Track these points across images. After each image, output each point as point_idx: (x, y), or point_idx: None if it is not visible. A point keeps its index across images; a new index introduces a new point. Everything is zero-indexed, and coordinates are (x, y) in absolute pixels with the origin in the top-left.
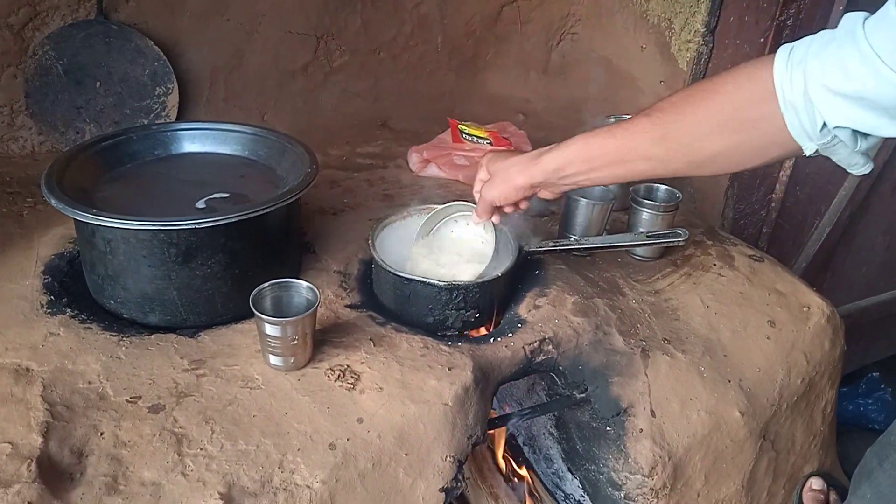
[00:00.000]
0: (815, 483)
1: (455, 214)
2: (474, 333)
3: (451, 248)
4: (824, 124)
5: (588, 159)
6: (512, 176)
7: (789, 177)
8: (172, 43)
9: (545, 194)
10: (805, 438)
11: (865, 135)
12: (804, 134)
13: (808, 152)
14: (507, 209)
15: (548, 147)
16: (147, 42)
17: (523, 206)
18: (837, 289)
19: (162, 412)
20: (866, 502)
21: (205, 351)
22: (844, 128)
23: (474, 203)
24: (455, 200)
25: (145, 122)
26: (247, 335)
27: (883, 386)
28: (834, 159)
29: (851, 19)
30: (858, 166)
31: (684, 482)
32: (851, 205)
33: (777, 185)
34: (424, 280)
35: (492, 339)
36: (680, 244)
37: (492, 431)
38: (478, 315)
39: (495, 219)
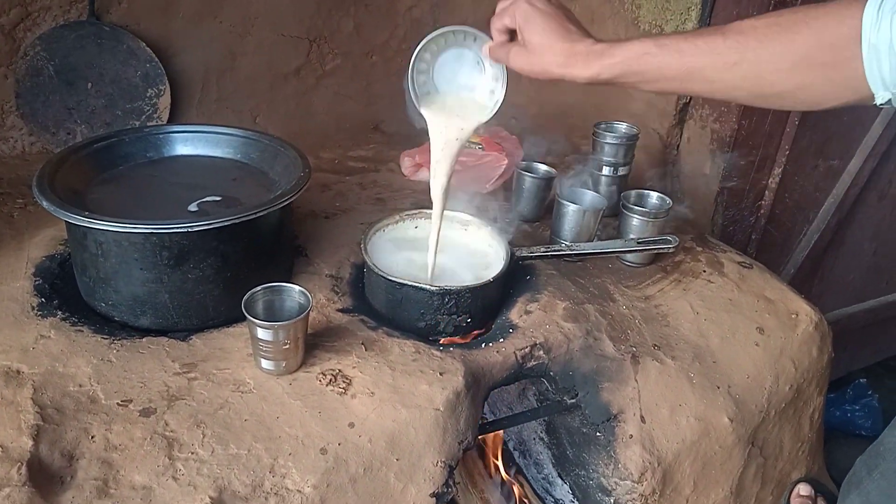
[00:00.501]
0: (803, 489)
1: (460, 41)
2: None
3: (457, 86)
4: None
5: (643, 72)
6: (548, 64)
7: (778, 183)
8: (165, 44)
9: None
10: (793, 445)
11: None
12: (880, 81)
13: (879, 101)
14: None
15: (598, 45)
16: (139, 43)
17: None
18: (825, 295)
19: (153, 416)
20: None
21: (196, 354)
22: None
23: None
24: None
25: (137, 123)
26: (238, 339)
27: (870, 392)
28: None
29: None
30: None
31: (673, 488)
32: (839, 212)
33: (766, 192)
34: (416, 285)
35: (483, 345)
36: (670, 251)
37: (483, 437)
38: (469, 320)
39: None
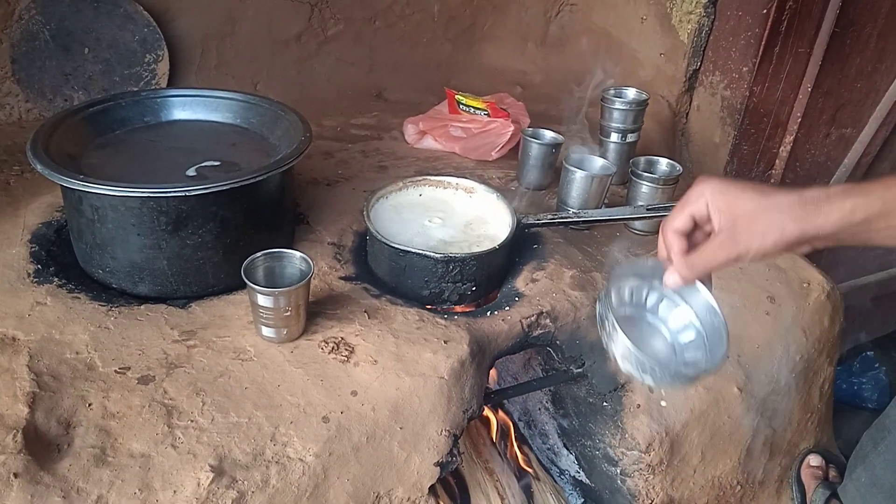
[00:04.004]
0: (814, 460)
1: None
2: None
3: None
4: None
5: (882, 216)
6: (781, 223)
7: (789, 152)
8: (163, 9)
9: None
10: (802, 415)
11: None
12: None
13: None
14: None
15: (815, 190)
16: (136, 7)
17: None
18: (834, 266)
19: (151, 383)
20: (861, 485)
21: (196, 322)
22: None
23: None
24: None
25: (135, 89)
26: (239, 306)
27: (877, 365)
28: None
29: None
30: None
31: (681, 458)
32: (851, 181)
33: (777, 161)
34: (420, 252)
35: (488, 313)
36: None
37: (487, 406)
38: (474, 288)
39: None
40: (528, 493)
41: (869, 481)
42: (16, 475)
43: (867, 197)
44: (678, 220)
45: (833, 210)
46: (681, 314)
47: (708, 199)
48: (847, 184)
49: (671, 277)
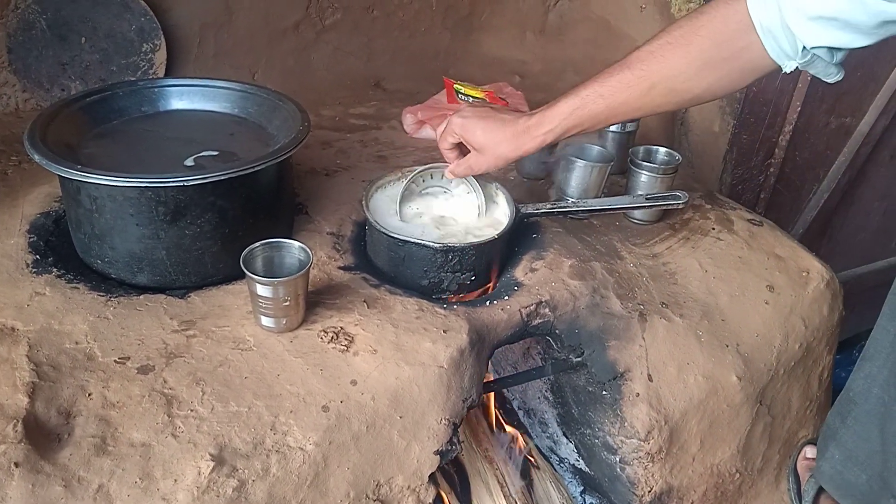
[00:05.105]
0: (810, 451)
1: (428, 187)
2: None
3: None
4: (804, 46)
5: (580, 125)
6: (504, 153)
7: (788, 142)
8: None
9: None
10: (801, 404)
11: (840, 49)
12: (784, 56)
13: (788, 70)
14: None
15: (533, 117)
16: None
17: None
18: (834, 256)
19: (151, 373)
20: (836, 462)
21: (195, 312)
22: (821, 46)
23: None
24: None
25: (133, 79)
26: (238, 296)
27: None
28: (811, 72)
29: None
30: (833, 75)
31: (680, 446)
32: (850, 170)
33: (776, 150)
34: (419, 242)
35: (488, 302)
36: (680, 206)
37: (487, 395)
38: (473, 278)
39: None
40: (527, 481)
41: (843, 457)
42: (16, 465)
43: (551, 125)
44: (442, 144)
45: (535, 139)
46: (468, 197)
47: (455, 131)
48: (554, 109)
49: (447, 173)
